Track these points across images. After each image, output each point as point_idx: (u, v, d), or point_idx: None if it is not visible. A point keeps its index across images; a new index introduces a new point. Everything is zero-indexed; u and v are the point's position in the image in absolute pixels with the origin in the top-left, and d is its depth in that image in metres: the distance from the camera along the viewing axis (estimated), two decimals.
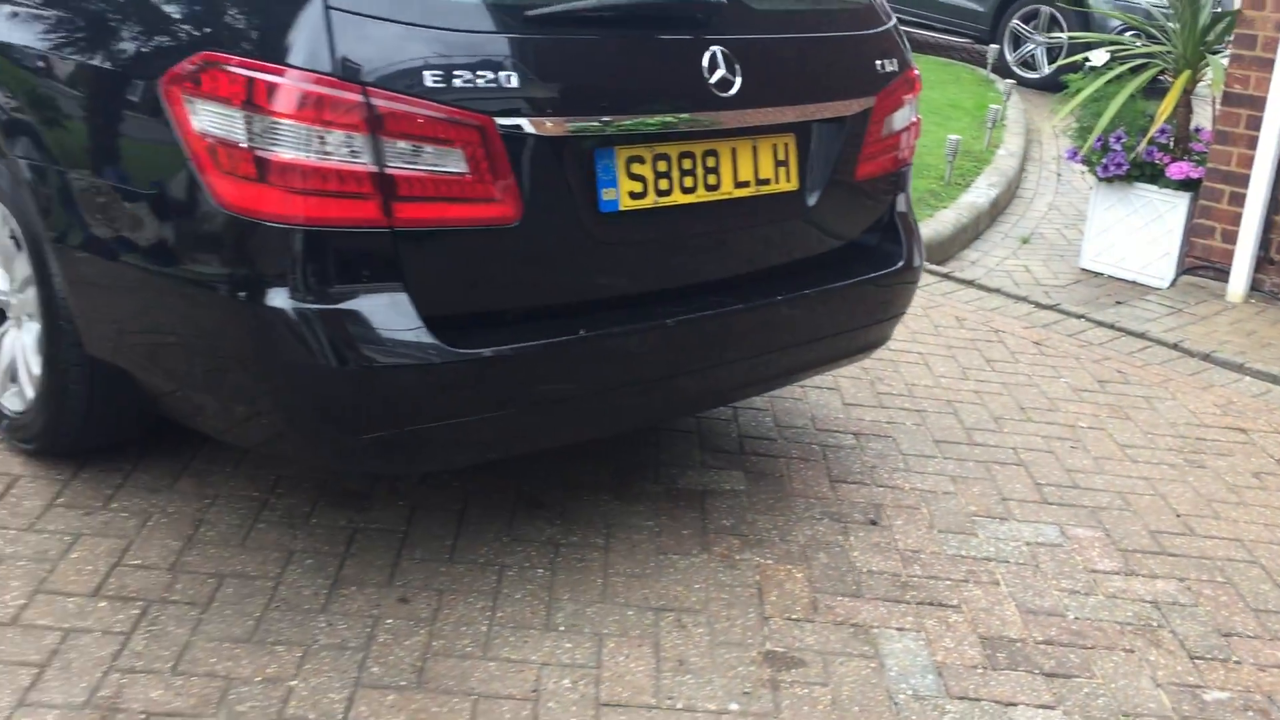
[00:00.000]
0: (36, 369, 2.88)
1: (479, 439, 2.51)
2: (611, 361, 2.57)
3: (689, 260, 2.72)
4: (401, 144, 2.25)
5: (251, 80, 2.23)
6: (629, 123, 2.50)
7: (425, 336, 2.32)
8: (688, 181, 2.64)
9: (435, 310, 2.34)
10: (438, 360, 2.33)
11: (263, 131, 2.23)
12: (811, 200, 2.89)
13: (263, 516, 2.89)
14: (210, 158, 2.29)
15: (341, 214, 2.25)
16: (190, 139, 2.31)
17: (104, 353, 2.69)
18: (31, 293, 2.84)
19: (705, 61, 2.59)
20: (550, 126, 2.39)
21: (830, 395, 3.85)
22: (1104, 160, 5.80)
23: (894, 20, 3.13)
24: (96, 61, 2.51)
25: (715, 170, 2.68)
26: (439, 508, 3.00)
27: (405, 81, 2.25)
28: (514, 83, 2.34)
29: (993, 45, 11.00)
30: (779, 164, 2.80)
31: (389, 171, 2.25)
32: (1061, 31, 10.72)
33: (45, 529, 2.76)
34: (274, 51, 2.24)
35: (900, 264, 3.12)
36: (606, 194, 2.52)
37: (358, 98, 2.21)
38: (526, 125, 2.36)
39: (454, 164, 2.30)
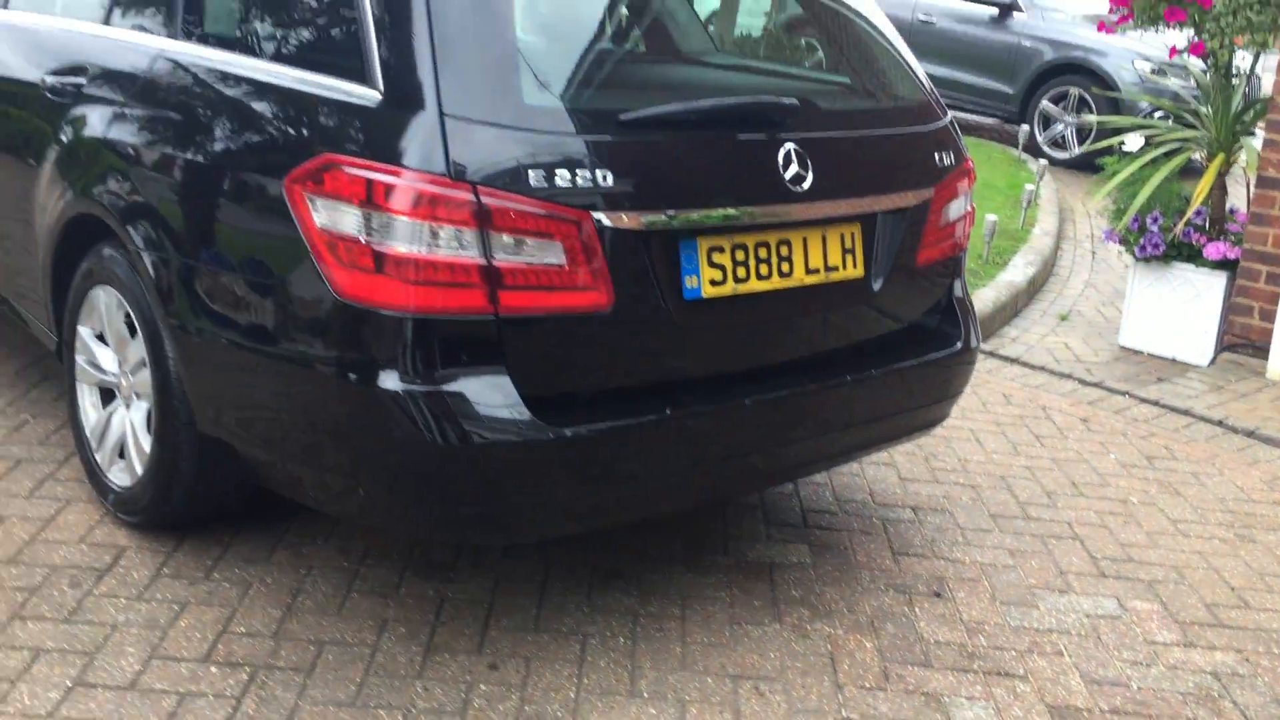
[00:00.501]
0: (146, 445, 3.05)
1: (569, 512, 2.66)
2: (694, 439, 2.73)
3: (764, 343, 2.88)
4: (507, 238, 2.43)
5: (371, 181, 2.42)
6: (711, 215, 2.67)
7: (526, 416, 2.48)
8: (763, 269, 2.81)
9: (534, 391, 2.51)
10: (537, 438, 2.48)
11: (380, 227, 2.42)
12: (876, 285, 3.05)
13: (355, 586, 3.04)
14: (329, 251, 2.47)
15: (451, 303, 2.43)
16: (311, 233, 2.50)
17: (216, 430, 2.86)
18: (144, 375, 3.01)
19: (780, 158, 2.77)
20: (640, 220, 2.57)
21: (887, 470, 3.98)
22: (1141, 241, 5.96)
23: (950, 116, 3.31)
24: (222, 161, 2.71)
25: (788, 259, 2.85)
26: (521, 578, 3.14)
27: (511, 180, 2.43)
28: (608, 180, 2.52)
29: (1023, 126, 11.22)
30: (846, 252, 2.97)
31: (495, 263, 2.43)
32: (1091, 113, 10.93)
33: (154, 597, 2.91)
34: (391, 154, 2.43)
35: (959, 345, 3.27)
36: (690, 282, 2.69)
37: (468, 196, 2.40)
38: (619, 219, 2.53)
39: (554, 255, 2.48)
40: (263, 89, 2.70)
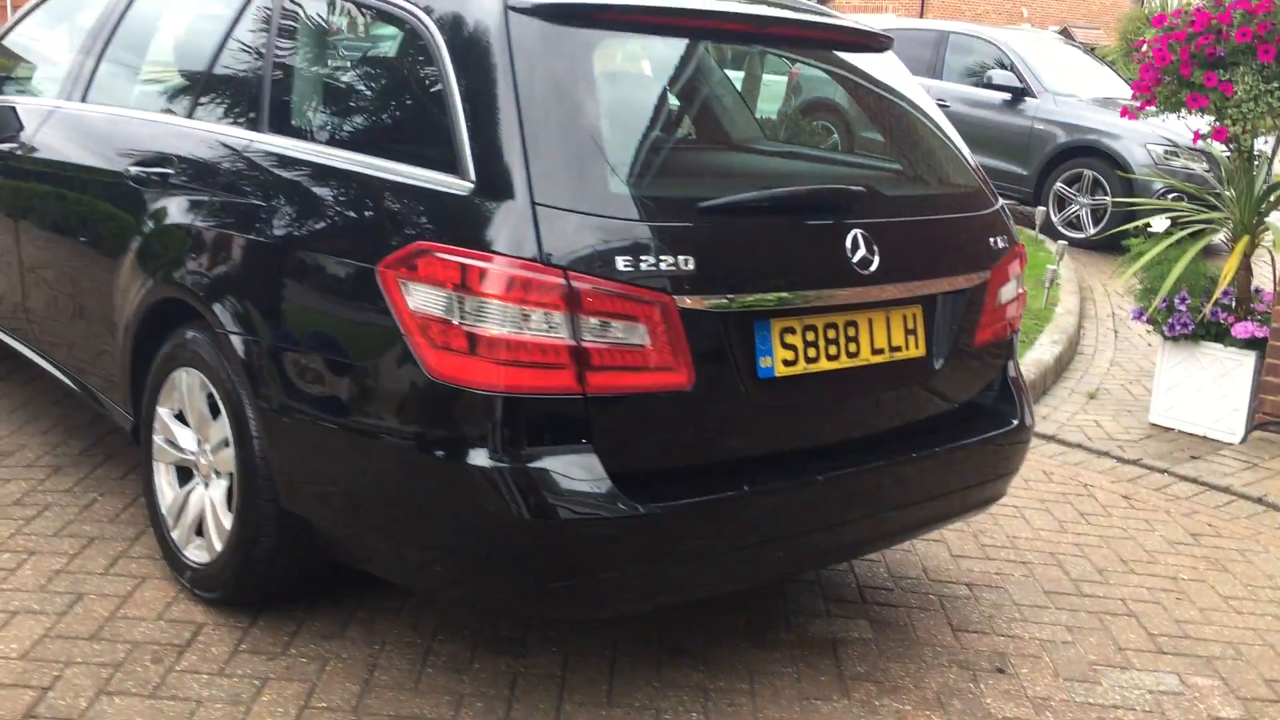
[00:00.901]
0: (227, 523, 3.12)
1: (649, 588, 2.72)
2: (770, 515, 2.80)
3: (833, 421, 2.96)
4: (595, 320, 2.53)
5: (465, 266, 2.53)
6: (784, 298, 2.77)
7: (613, 492, 2.55)
8: (832, 350, 2.90)
9: (617, 468, 2.58)
10: (624, 514, 2.55)
11: (473, 310, 2.52)
12: (937, 365, 3.14)
13: (430, 661, 3.09)
14: (422, 332, 2.57)
15: (541, 382, 2.52)
16: (404, 316, 2.59)
17: (299, 506, 2.93)
18: (226, 453, 3.10)
19: (848, 243, 2.88)
20: (718, 302, 2.66)
21: (938, 547, 4.03)
22: (1170, 320, 6.05)
23: (1001, 201, 3.42)
24: (314, 248, 2.82)
25: (855, 339, 2.94)
26: (591, 653, 3.19)
27: (599, 265, 2.53)
28: (689, 265, 2.62)
29: (1039, 207, 11.40)
30: (909, 332, 3.06)
31: (584, 344, 2.52)
32: (1105, 194, 11.11)
33: (235, 673, 2.97)
34: (484, 241, 2.53)
35: (1016, 423, 3.34)
36: (764, 361, 2.77)
37: (559, 280, 2.50)
38: (699, 302, 2.63)
39: (638, 337, 2.57)
40: (354, 180, 2.81)
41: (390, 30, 3.02)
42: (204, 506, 3.25)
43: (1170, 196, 10.64)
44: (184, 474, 3.37)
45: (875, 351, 2.99)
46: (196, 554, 3.27)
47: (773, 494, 2.78)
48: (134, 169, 3.43)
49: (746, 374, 2.74)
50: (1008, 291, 3.35)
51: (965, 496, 3.26)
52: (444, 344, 2.55)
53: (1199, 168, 10.84)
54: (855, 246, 2.89)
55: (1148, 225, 6.78)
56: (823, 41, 3.27)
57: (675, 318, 2.60)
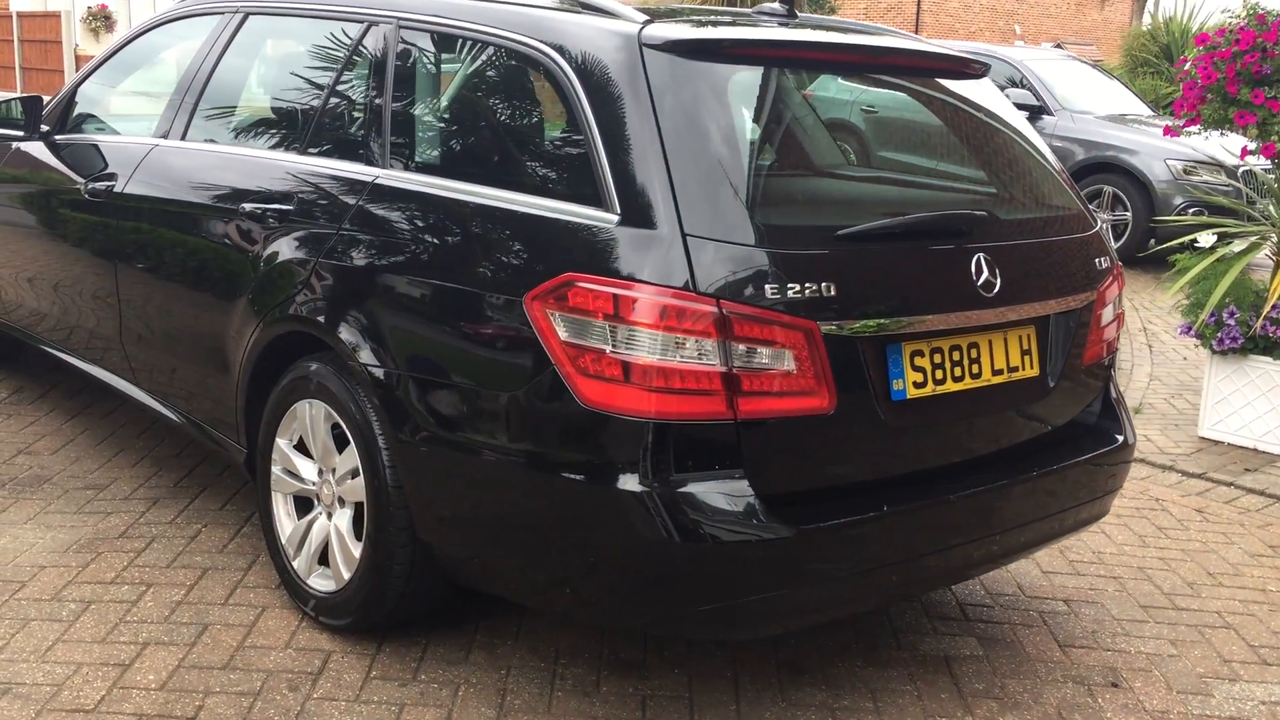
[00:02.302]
0: (356, 551, 3.16)
1: (790, 608, 2.77)
2: (906, 535, 2.85)
3: (957, 441, 3.02)
4: (744, 347, 2.59)
5: (617, 296, 2.59)
6: (917, 321, 2.83)
7: (763, 516, 2.60)
8: (957, 371, 2.96)
9: (764, 491, 2.64)
10: (774, 537, 2.61)
11: (625, 339, 2.57)
12: (1051, 384, 3.20)
13: (558, 685, 3.13)
14: (573, 362, 2.63)
15: (692, 408, 2.58)
16: (553, 346, 2.65)
17: (435, 533, 2.98)
18: (354, 483, 3.14)
19: (973, 266, 2.94)
20: (857, 327, 2.73)
21: (1028, 564, 4.09)
22: (1219, 334, 6.13)
23: (1100, 224, 3.49)
24: (453, 281, 2.87)
25: (977, 360, 3.00)
26: (713, 674, 3.23)
27: (747, 293, 2.59)
28: (831, 291, 2.69)
29: None
30: (1024, 353, 3.12)
31: (734, 370, 2.58)
32: (1125, 210, 11.21)
33: (371, 699, 3.01)
34: (634, 271, 2.59)
35: (1122, 440, 3.40)
36: (896, 384, 2.84)
37: (711, 308, 2.56)
38: (839, 327, 2.69)
39: (785, 362, 2.63)
40: (492, 214, 2.87)
41: (518, 67, 3.09)
42: (328, 536, 3.29)
43: (1191, 211, 10.76)
44: (302, 504, 3.42)
45: (995, 372, 3.05)
46: (321, 583, 3.31)
47: (910, 514, 2.83)
48: (248, 206, 3.49)
49: (881, 396, 2.80)
50: (1110, 311, 3.42)
51: (1077, 513, 3.32)
52: (596, 372, 2.61)
53: (1219, 181, 10.96)
54: (979, 270, 2.95)
55: (1195, 240, 6.86)
56: (929, 70, 3.35)
57: (819, 343, 2.66)
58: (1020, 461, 3.14)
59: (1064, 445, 3.29)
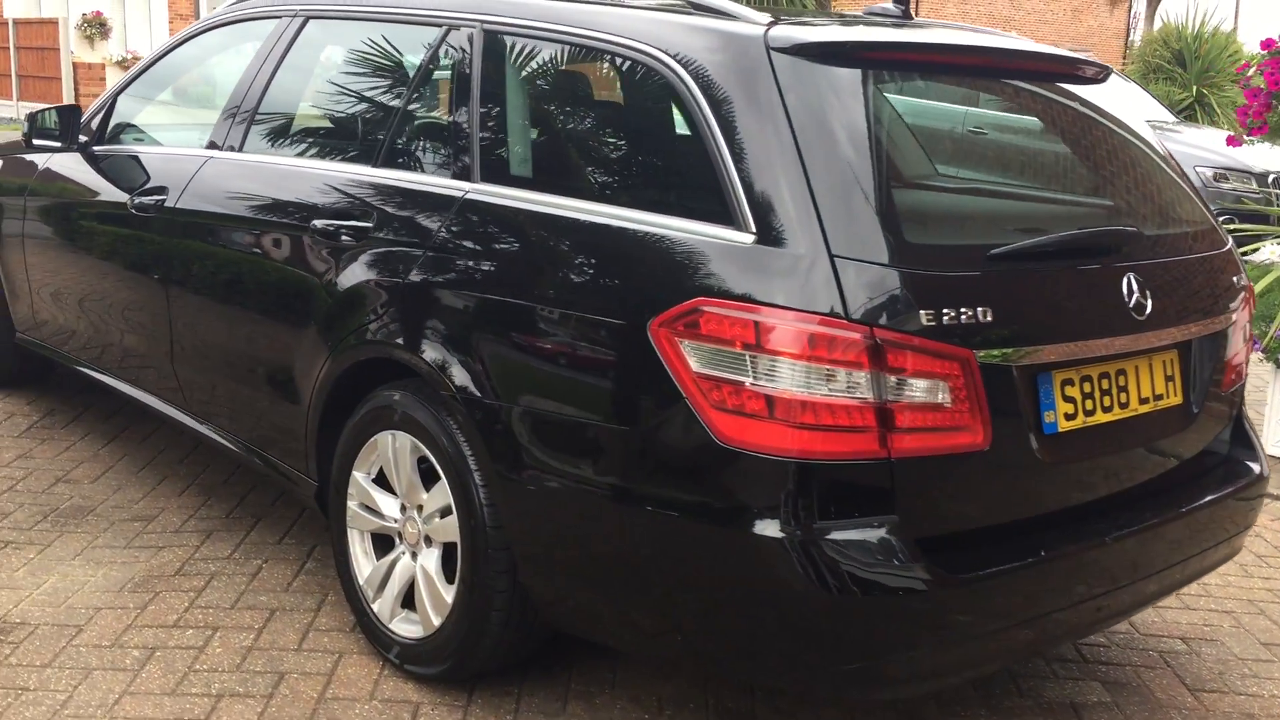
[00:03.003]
0: (447, 595, 2.93)
1: (938, 666, 2.53)
2: (1061, 581, 2.62)
3: (1107, 477, 2.79)
4: (897, 379, 2.36)
5: (758, 324, 2.36)
6: (1072, 348, 2.61)
7: (920, 564, 2.37)
8: (1106, 401, 2.73)
9: (917, 535, 2.41)
10: (931, 587, 2.37)
11: (767, 370, 2.34)
12: (1194, 411, 2.98)
13: None
14: (705, 394, 2.39)
15: (841, 447, 2.34)
16: (682, 377, 2.42)
17: (537, 577, 2.75)
18: (445, 522, 2.91)
19: (1124, 287, 2.72)
20: (1012, 354, 2.50)
21: None
22: None
23: (1231, 241, 3.27)
24: (562, 306, 2.63)
25: (1125, 388, 2.78)
26: None
27: (901, 320, 2.37)
28: (987, 316, 2.46)
29: None
30: (1168, 379, 2.90)
31: (887, 405, 2.35)
32: None
33: None
34: (775, 296, 2.36)
35: (1258, 471, 3.18)
36: (1048, 416, 2.61)
37: (862, 336, 2.33)
38: (995, 356, 2.47)
39: (940, 395, 2.40)
40: (609, 233, 2.64)
41: (627, 74, 2.86)
42: (412, 577, 3.06)
43: (1221, 219, 10.58)
44: (380, 542, 3.19)
45: (1142, 401, 2.83)
46: (406, 628, 3.08)
47: (1066, 559, 2.60)
48: (319, 223, 3.25)
49: (1034, 430, 2.58)
50: (1244, 332, 3.20)
51: (1215, 552, 3.09)
52: (735, 407, 2.38)
53: (1248, 189, 10.77)
54: (1130, 290, 2.73)
55: (1255, 252, 6.67)
56: (1057, 74, 3.12)
57: (975, 373, 2.43)
58: (1166, 497, 2.91)
59: (1204, 478, 3.07)
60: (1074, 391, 2.66)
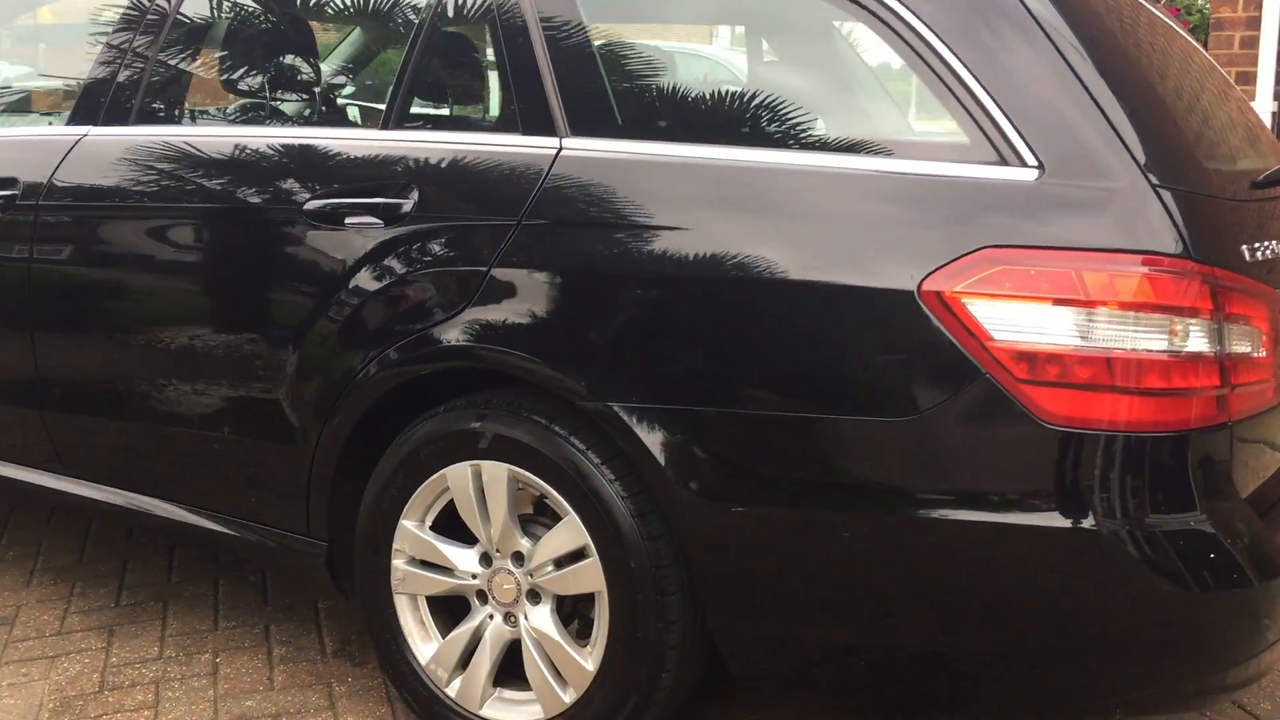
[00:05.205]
0: (584, 660, 2.28)
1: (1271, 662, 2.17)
2: None
3: None
4: (1234, 326, 1.99)
5: (1078, 272, 1.92)
6: None
7: (1273, 549, 2.02)
8: None
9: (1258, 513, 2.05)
10: None
11: (1096, 328, 1.91)
12: None
13: None
14: (1016, 366, 1.93)
15: (1187, 414, 1.94)
16: (983, 347, 1.94)
17: (747, 620, 2.17)
18: (565, 571, 2.27)
19: None
20: None
21: None
22: None
23: None
24: (771, 272, 2.06)
25: None
26: None
27: (1230, 258, 1.99)
28: (1274, 250, 2.14)
29: None
30: None
31: (1226, 359, 1.98)
32: None
33: None
34: (1095, 236, 1.93)
35: None
36: None
37: (1203, 278, 1.94)
38: None
39: (1252, 344, 2.05)
40: (835, 182, 2.09)
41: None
42: (507, 644, 2.39)
43: None
44: (442, 606, 2.49)
45: None
46: (509, 713, 2.39)
47: None
48: (315, 205, 2.48)
49: None
50: None
51: None
52: (1056, 376, 1.92)
53: None
54: None
55: None
56: None
57: (1278, 316, 2.10)
58: None
59: None
60: None
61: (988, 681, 2.11)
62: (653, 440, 2.13)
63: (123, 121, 2.84)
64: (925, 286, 1.96)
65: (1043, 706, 2.17)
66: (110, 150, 2.80)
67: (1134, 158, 1.96)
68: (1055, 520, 1.93)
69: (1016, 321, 1.93)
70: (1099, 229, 1.93)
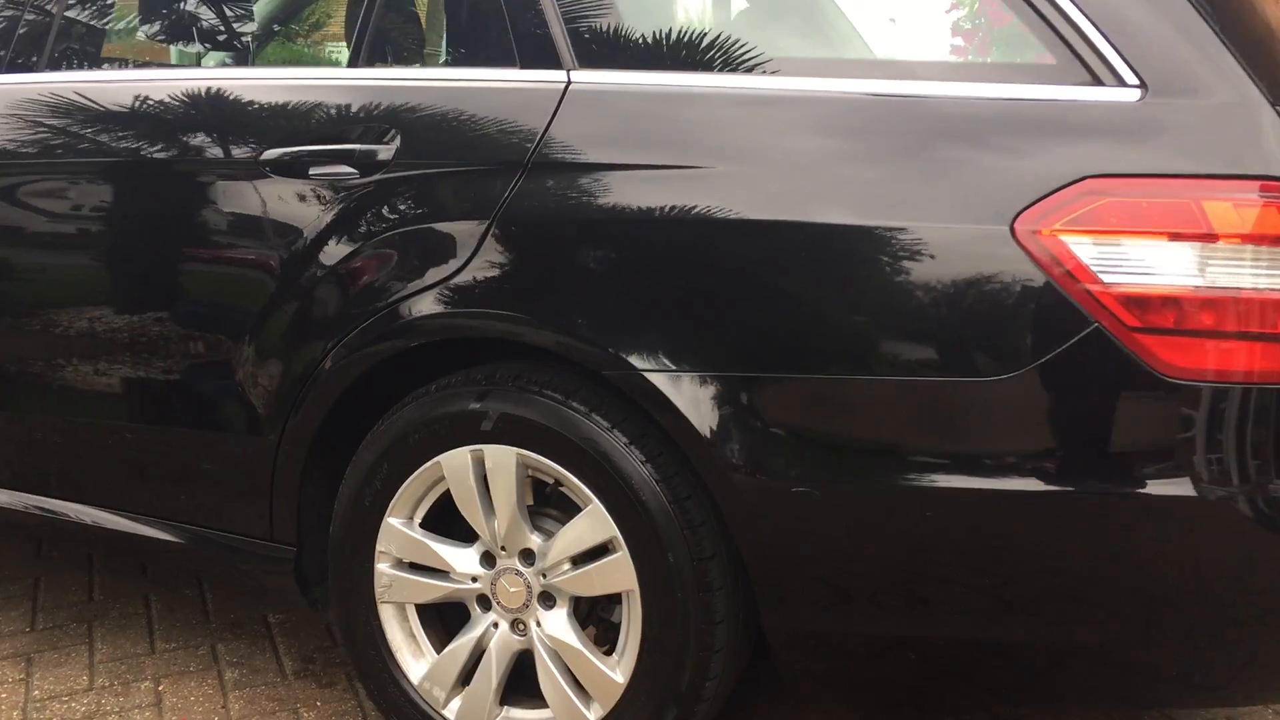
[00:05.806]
0: (611, 669, 1.98)
1: None
2: None
3: None
4: None
5: (1198, 203, 1.68)
6: None
7: None
8: None
9: None
10: None
11: (1220, 266, 1.67)
12: None
13: None
14: (1131, 312, 1.68)
15: None
16: (1088, 292, 1.69)
17: (805, 616, 1.89)
18: (587, 570, 1.97)
19: None
20: None
21: None
22: None
23: None
24: (826, 216, 1.79)
25: None
26: None
27: None
28: None
29: None
30: None
31: None
32: None
33: None
34: (1215, 162, 1.69)
35: None
36: None
37: None
38: None
39: None
40: (910, 111, 1.82)
41: None
42: (516, 655, 2.08)
43: None
44: (435, 614, 2.17)
45: None
46: None
47: None
48: (273, 154, 2.13)
49: None
50: None
51: None
52: (1175, 323, 1.68)
53: None
54: None
55: None
56: None
57: None
58: None
59: None
60: None
61: (1093, 675, 1.86)
62: (699, 414, 1.83)
63: (33, 66, 2.45)
64: (1019, 225, 1.70)
65: (1144, 698, 1.93)
66: (13, 97, 2.41)
67: (1248, 72, 1.73)
68: (1184, 489, 1.68)
69: (1127, 261, 1.68)
70: (1220, 153, 1.70)
